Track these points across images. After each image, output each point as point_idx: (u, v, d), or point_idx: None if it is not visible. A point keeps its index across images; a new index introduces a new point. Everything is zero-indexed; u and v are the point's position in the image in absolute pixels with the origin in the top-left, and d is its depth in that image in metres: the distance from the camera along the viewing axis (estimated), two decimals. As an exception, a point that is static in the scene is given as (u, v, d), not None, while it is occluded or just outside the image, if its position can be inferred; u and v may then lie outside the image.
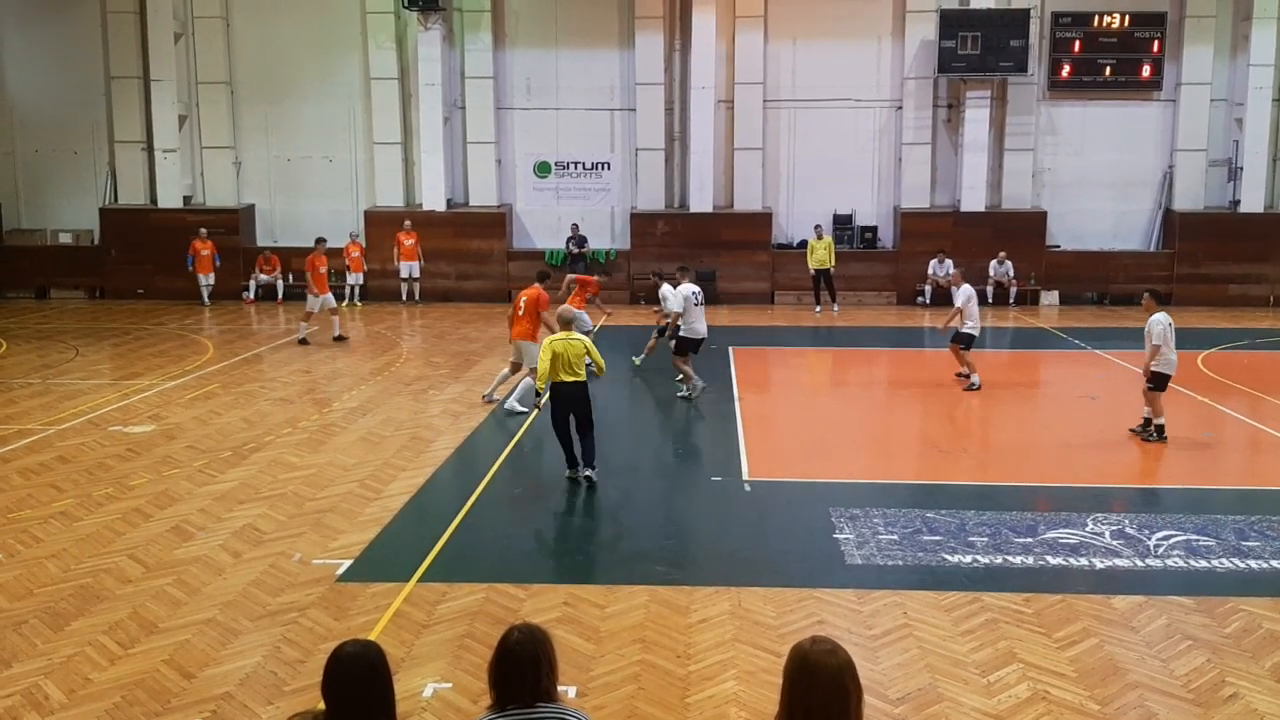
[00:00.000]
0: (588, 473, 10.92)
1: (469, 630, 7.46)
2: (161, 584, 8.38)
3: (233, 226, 25.29)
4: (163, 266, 25.36)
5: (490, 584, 8.28)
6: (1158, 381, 12.80)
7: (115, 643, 7.35)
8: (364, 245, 25.03)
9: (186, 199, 26.10)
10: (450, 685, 6.73)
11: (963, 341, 15.77)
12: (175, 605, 7.98)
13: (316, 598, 8.08)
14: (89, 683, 6.79)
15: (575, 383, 10.72)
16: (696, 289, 15.50)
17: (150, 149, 25.85)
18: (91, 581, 8.43)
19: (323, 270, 19.95)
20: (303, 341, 19.52)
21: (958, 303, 15.67)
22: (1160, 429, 12.83)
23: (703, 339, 15.44)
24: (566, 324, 11.10)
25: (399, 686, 6.61)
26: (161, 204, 25.86)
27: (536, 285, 14.76)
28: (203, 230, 24.84)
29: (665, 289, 16.31)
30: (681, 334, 15.25)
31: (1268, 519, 9.80)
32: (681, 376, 15.49)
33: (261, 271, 25.15)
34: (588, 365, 11.02)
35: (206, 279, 24.80)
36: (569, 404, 10.82)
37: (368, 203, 26.11)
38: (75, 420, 13.76)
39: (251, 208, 26.42)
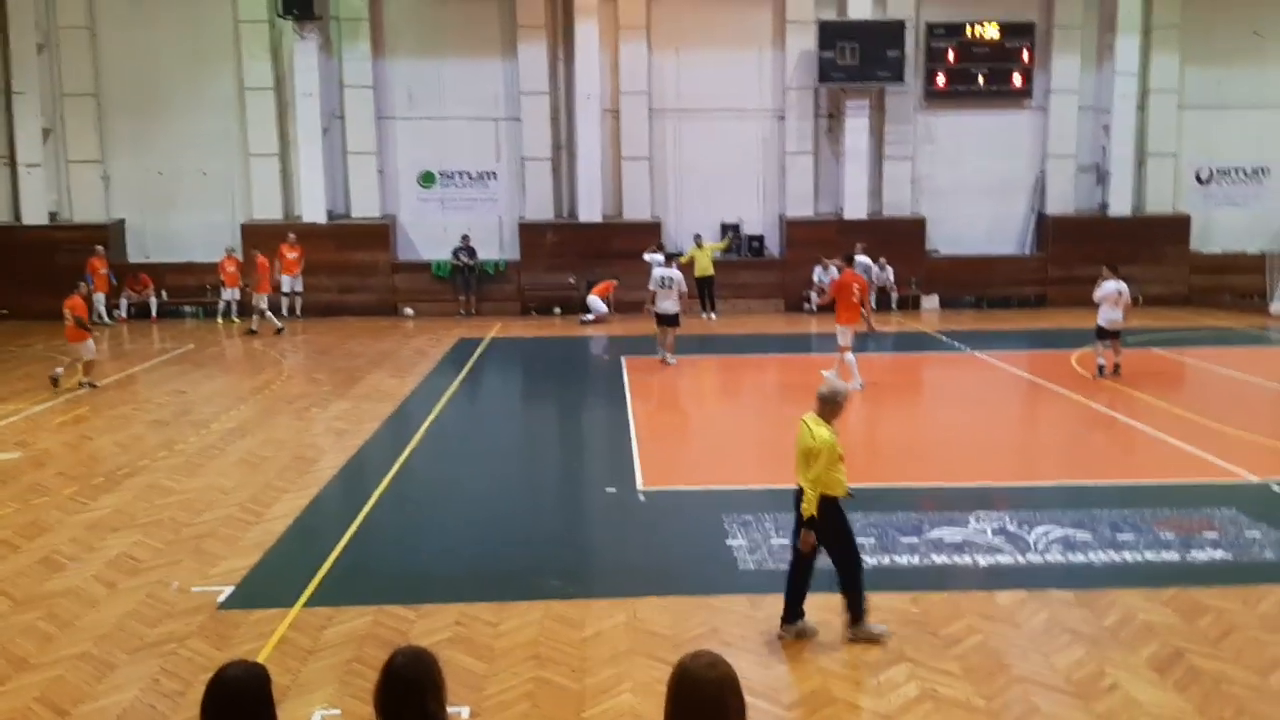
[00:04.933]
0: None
1: (357, 655, 7.28)
2: (31, 618, 7.99)
3: (102, 242, 24.35)
4: (28, 285, 24.26)
5: (379, 606, 8.08)
6: (1099, 333, 16.66)
7: (-19, 682, 6.99)
8: (240, 260, 24.33)
9: (52, 215, 25.11)
10: (339, 712, 6.55)
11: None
12: (46, 640, 7.62)
13: (196, 627, 7.79)
14: (-50, 727, 6.45)
15: (801, 492, 7.36)
16: (667, 274, 18.23)
17: (13, 163, 24.82)
18: (-47, 619, 8.00)
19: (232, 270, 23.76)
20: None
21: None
22: (1100, 368, 16.68)
23: (666, 315, 18.12)
24: (820, 401, 7.43)
25: (285, 715, 6.44)
26: (26, 220, 24.88)
27: (850, 270, 16.97)
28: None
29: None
30: (656, 311, 18.20)
31: (1140, 512, 10.16)
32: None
33: (131, 290, 24.34)
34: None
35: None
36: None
37: (245, 216, 25.44)
38: (-66, 449, 13.09)
39: (121, 223, 25.53)
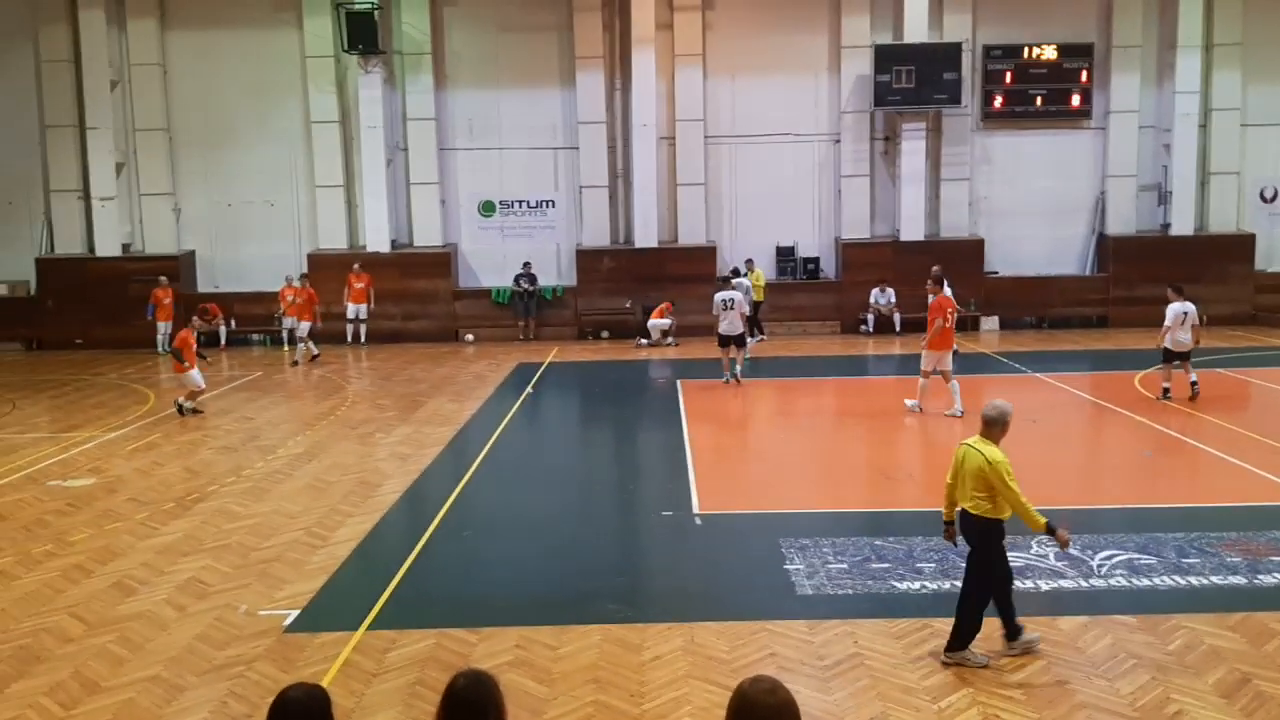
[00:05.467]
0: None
1: (420, 678, 7.39)
2: (104, 642, 8.21)
3: (173, 273, 24.98)
4: (101, 316, 25.06)
5: (441, 629, 8.20)
6: (1166, 355, 16.42)
7: (57, 704, 7.18)
8: (297, 288, 24.50)
9: (125, 247, 25.81)
10: (402, 733, 6.66)
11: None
12: (118, 663, 7.82)
13: (264, 650, 7.96)
14: (29, 746, 6.64)
15: (964, 514, 7.49)
16: (727, 296, 18.75)
17: (87, 197, 25.57)
18: (31, 642, 8.23)
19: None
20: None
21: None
22: (1165, 391, 16.46)
23: (729, 336, 18.69)
24: (986, 424, 7.47)
25: (349, 738, 6.57)
26: (99, 253, 25.58)
27: (944, 295, 16.23)
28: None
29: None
30: (718, 331, 18.77)
31: (1206, 535, 9.99)
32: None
33: (200, 319, 24.75)
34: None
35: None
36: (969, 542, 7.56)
37: (310, 246, 25.96)
38: (13, 476, 13.47)
39: (192, 254, 26.18)
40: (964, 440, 7.59)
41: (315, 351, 22.88)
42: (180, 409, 17.01)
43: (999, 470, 7.20)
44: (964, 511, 7.44)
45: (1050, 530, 7.32)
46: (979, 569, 7.44)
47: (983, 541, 7.39)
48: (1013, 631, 7.55)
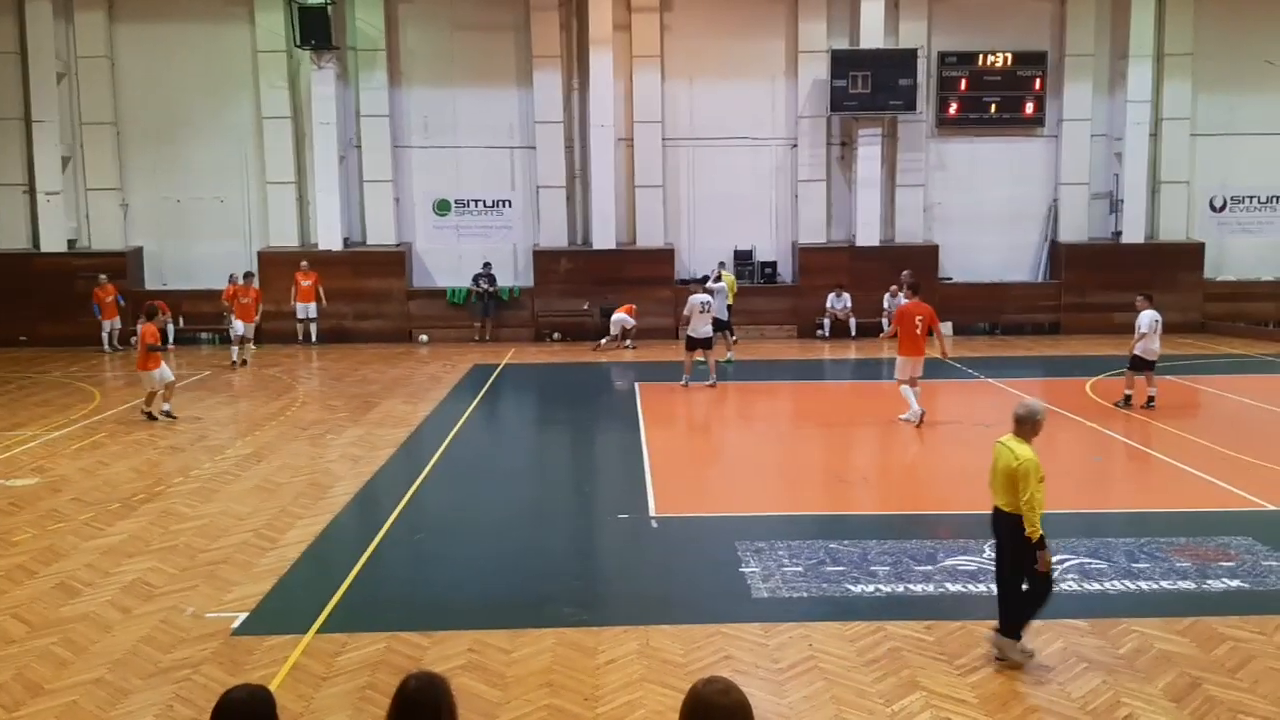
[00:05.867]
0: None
1: (370, 681, 7.28)
2: (47, 643, 8.02)
3: (120, 270, 24.55)
4: (47, 312, 24.59)
5: (392, 633, 8.09)
6: (1135, 363, 16.39)
7: (-2, 707, 7.02)
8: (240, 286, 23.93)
9: (71, 242, 25.32)
10: (351, 739, 6.55)
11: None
12: (61, 665, 7.65)
13: (211, 653, 7.81)
14: (-35, 753, 6.47)
15: (998, 511, 7.52)
16: (704, 299, 18.80)
17: (32, 191, 25.06)
18: (-31, 644, 8.04)
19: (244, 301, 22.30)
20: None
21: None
22: (1126, 398, 16.56)
23: (700, 338, 18.65)
24: (1017, 423, 7.57)
25: (297, 743, 6.44)
26: (44, 248, 25.11)
27: (916, 300, 15.98)
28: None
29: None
30: (688, 333, 18.65)
31: (1155, 540, 10.10)
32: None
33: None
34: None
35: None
36: (997, 537, 7.69)
37: (261, 243, 25.62)
38: (-48, 475, 13.17)
39: (139, 250, 25.74)
40: (999, 439, 7.62)
41: (247, 355, 22.35)
42: (151, 415, 16.31)
43: (1025, 467, 7.23)
44: (997, 509, 7.48)
45: (1040, 544, 7.24)
46: (1020, 565, 7.37)
47: (1024, 541, 7.29)
48: (1009, 629, 7.50)
